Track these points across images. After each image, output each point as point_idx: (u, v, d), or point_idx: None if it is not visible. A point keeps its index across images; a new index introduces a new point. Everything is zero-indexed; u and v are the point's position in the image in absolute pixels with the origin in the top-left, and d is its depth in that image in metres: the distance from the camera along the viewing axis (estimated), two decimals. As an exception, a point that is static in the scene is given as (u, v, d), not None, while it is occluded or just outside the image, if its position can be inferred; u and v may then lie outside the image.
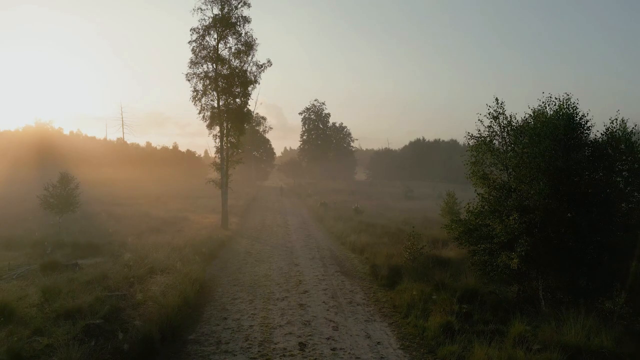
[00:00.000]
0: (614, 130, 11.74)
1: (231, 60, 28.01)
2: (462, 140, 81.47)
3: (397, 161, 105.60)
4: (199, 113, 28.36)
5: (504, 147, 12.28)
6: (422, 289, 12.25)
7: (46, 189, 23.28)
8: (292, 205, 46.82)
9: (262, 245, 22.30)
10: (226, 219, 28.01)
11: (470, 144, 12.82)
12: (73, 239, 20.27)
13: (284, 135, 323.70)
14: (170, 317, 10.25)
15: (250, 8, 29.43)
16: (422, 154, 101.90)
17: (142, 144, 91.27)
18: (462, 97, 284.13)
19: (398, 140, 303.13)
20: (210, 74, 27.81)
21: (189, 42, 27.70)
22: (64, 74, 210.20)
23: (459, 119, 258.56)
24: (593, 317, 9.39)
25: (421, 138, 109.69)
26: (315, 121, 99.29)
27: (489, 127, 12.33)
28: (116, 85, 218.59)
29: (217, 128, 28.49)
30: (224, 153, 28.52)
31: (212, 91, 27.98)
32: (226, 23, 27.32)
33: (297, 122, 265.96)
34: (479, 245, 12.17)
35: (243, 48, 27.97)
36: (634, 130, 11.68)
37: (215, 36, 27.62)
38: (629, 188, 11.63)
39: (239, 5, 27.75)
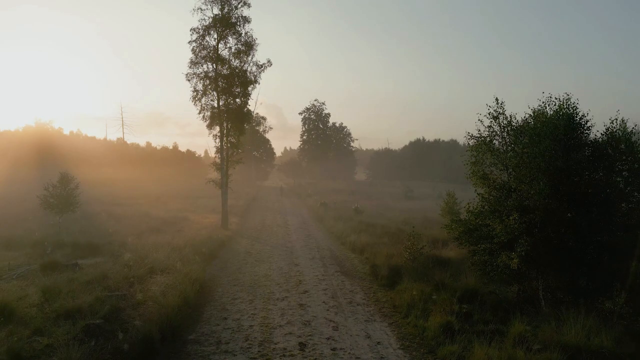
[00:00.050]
0: (614, 130, 11.74)
1: (231, 60, 28.03)
2: (462, 140, 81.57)
3: (397, 161, 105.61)
4: (199, 113, 28.39)
5: (504, 147, 12.28)
6: (422, 289, 12.25)
7: (46, 189, 23.28)
8: (292, 205, 46.82)
9: (262, 245, 22.30)
10: (226, 219, 28.01)
11: (470, 144, 12.82)
12: (73, 239, 20.26)
13: (284, 135, 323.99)
14: (170, 317, 10.25)
15: (250, 8, 29.46)
16: (422, 154, 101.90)
17: (142, 144, 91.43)
18: (462, 97, 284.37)
19: (398, 140, 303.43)
20: (210, 74, 27.82)
21: (189, 42, 27.74)
22: (64, 74, 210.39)
23: (459, 119, 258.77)
24: (593, 317, 9.39)
25: (421, 138, 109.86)
26: (315, 121, 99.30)
27: (489, 127, 12.34)
28: (116, 85, 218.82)
29: (217, 128, 28.51)
30: (224, 153, 28.52)
31: (212, 91, 27.98)
32: (226, 23, 27.32)
33: (297, 122, 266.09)
34: (479, 245, 12.17)
35: (243, 48, 27.98)
36: (634, 130, 11.68)
37: (215, 36, 27.63)
38: (629, 188, 11.64)
39: (239, 5, 27.77)
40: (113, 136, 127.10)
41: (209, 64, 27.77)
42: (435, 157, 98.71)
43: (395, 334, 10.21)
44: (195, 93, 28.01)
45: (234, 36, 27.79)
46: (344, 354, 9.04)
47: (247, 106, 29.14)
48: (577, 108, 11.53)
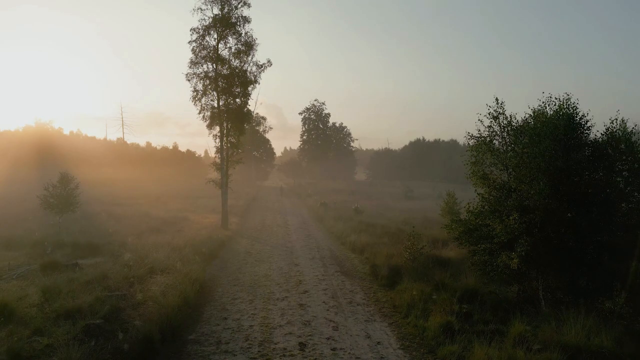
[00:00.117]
0: (614, 130, 11.75)
1: (231, 60, 28.02)
2: (462, 140, 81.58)
3: (397, 161, 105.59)
4: (199, 113, 28.38)
5: (504, 147, 12.28)
6: (422, 289, 12.25)
7: (46, 189, 23.27)
8: (292, 205, 46.81)
9: (262, 245, 22.30)
10: (226, 219, 28.01)
11: (470, 144, 12.82)
12: (73, 239, 20.26)
13: (284, 135, 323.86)
14: (170, 317, 10.25)
15: (250, 8, 29.45)
16: (422, 154, 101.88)
17: (142, 144, 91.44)
18: (462, 97, 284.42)
19: (398, 140, 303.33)
20: (210, 74, 27.81)
21: (189, 42, 27.72)
22: (64, 74, 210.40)
23: (459, 119, 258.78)
24: (593, 317, 9.39)
25: (421, 138, 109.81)
26: (315, 121, 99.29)
27: (489, 127, 12.34)
28: (116, 85, 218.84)
29: (217, 128, 28.51)
30: (224, 153, 28.52)
31: (212, 91, 27.98)
32: (226, 23, 27.32)
33: (297, 122, 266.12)
34: (479, 245, 12.17)
35: (243, 48, 27.98)
36: (634, 130, 11.69)
37: (215, 36, 27.62)
38: (629, 188, 11.64)
39: (239, 5, 27.77)
40: (113, 136, 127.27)
41: (209, 64, 27.78)
42: (435, 157, 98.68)
43: (395, 334, 10.21)
44: (195, 93, 28.02)
45: (234, 36, 27.81)
46: (344, 354, 9.04)
47: (247, 106, 29.15)
48: (577, 108, 11.54)
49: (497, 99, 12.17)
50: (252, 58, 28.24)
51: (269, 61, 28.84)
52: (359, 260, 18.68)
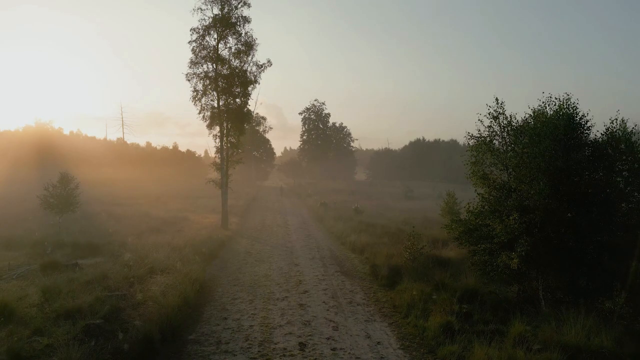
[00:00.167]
0: (614, 130, 11.74)
1: (231, 60, 28.02)
2: (462, 140, 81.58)
3: (397, 161, 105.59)
4: (199, 113, 28.39)
5: (504, 147, 12.28)
6: (422, 289, 12.25)
7: (46, 189, 23.28)
8: (292, 205, 46.82)
9: (262, 245, 22.30)
10: (226, 219, 28.01)
11: (470, 144, 12.82)
12: (73, 239, 20.26)
13: (284, 135, 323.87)
14: (170, 317, 10.25)
15: (250, 8, 29.47)
16: (422, 154, 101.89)
17: (142, 144, 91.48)
18: (462, 97, 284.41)
19: (398, 140, 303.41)
20: (210, 74, 27.81)
21: (189, 42, 27.73)
22: (64, 74, 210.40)
23: (459, 119, 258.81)
24: (593, 317, 9.39)
25: (421, 138, 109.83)
26: (315, 121, 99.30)
27: (489, 127, 12.34)
28: (116, 85, 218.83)
29: (217, 128, 28.51)
30: (224, 153, 28.52)
31: (212, 91, 27.98)
32: (226, 23, 27.32)
33: (297, 122, 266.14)
34: (479, 245, 12.17)
35: (243, 48, 27.98)
36: (634, 130, 11.68)
37: (215, 36, 27.62)
38: (629, 188, 11.64)
39: (239, 5, 27.77)
40: (113, 136, 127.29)
41: (209, 64, 27.79)
42: (435, 157, 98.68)
43: (395, 334, 10.21)
44: (195, 93, 28.03)
45: (234, 36, 27.81)
46: (344, 354, 9.04)
47: (247, 106, 29.15)
48: (577, 108, 11.54)
49: (497, 99, 12.18)
50: (252, 58, 28.28)
51: (269, 61, 28.89)
52: (359, 260, 18.68)
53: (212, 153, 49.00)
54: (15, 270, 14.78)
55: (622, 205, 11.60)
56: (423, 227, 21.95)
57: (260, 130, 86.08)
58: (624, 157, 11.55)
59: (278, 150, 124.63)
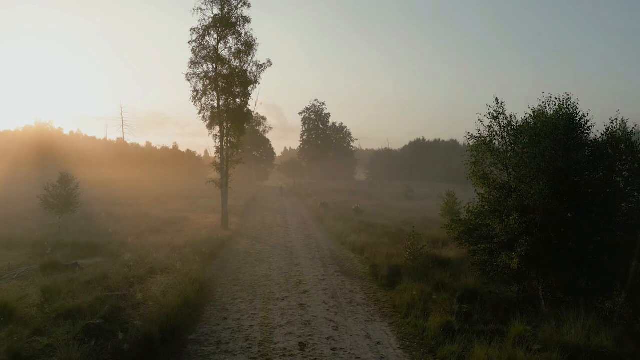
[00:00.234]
0: (614, 130, 11.74)
1: (231, 60, 28.02)
2: (462, 140, 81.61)
3: (397, 161, 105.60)
4: (199, 113, 28.38)
5: (504, 147, 12.28)
6: (422, 289, 12.24)
7: (46, 189, 23.27)
8: (292, 205, 46.82)
9: (262, 245, 22.30)
10: (226, 219, 28.01)
11: (470, 144, 12.83)
12: (73, 239, 20.26)
13: (284, 135, 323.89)
14: (170, 317, 10.25)
15: (250, 8, 29.47)
16: (422, 154, 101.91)
17: (142, 144, 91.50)
18: (462, 97, 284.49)
19: (398, 140, 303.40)
20: (210, 74, 27.81)
21: (189, 42, 27.72)
22: (64, 74, 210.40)
23: (459, 119, 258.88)
24: (593, 317, 9.39)
25: (421, 138, 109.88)
26: (315, 121, 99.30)
27: (489, 127, 12.34)
28: (116, 85, 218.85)
29: (217, 128, 28.51)
30: (224, 153, 28.52)
31: (212, 91, 27.98)
32: (226, 23, 27.31)
33: (297, 122, 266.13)
34: (479, 245, 12.17)
35: (243, 48, 27.97)
36: (634, 130, 11.68)
37: (215, 36, 27.62)
38: (629, 188, 11.64)
39: (239, 5, 27.76)
40: (113, 136, 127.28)
41: (209, 64, 27.78)
42: (435, 157, 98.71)
43: (395, 334, 10.21)
44: (195, 93, 28.02)
45: (234, 36, 27.81)
46: (344, 354, 9.04)
47: (247, 106, 29.15)
48: (577, 108, 11.54)
49: (497, 99, 12.18)
50: (252, 58, 28.28)
51: (269, 61, 28.89)
52: (359, 260, 18.68)
53: (212, 153, 49.04)
54: (15, 270, 14.78)
55: (622, 205, 11.60)
56: (423, 227, 21.95)
57: (260, 130, 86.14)
58: (624, 157, 11.54)
59: (278, 150, 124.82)
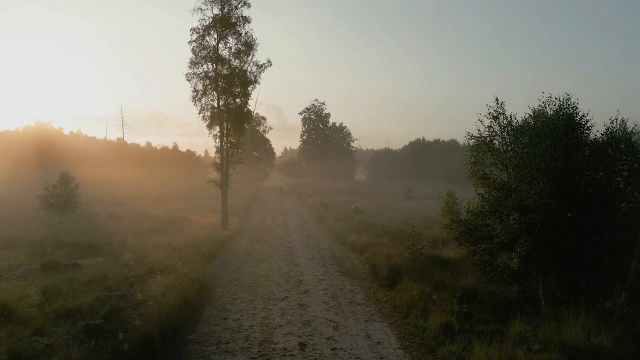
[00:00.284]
0: (614, 130, 11.74)
1: (231, 60, 28.02)
2: (462, 140, 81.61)
3: (397, 161, 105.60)
4: (199, 113, 28.38)
5: (504, 147, 12.28)
6: (422, 289, 12.24)
7: (46, 189, 23.27)
8: (292, 205, 46.82)
9: (262, 245, 22.30)
10: (226, 219, 28.01)
11: (470, 144, 12.83)
12: (73, 239, 20.26)
13: (284, 135, 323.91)
14: (170, 317, 10.25)
15: (250, 8, 29.47)
16: (422, 154, 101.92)
17: (142, 144, 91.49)
18: (462, 97, 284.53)
19: (398, 140, 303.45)
20: (210, 74, 27.81)
21: (189, 42, 27.72)
22: (64, 74, 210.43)
23: (459, 119, 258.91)
24: (593, 317, 9.40)
25: (421, 138, 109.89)
26: (315, 121, 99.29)
27: (489, 127, 12.34)
28: (116, 85, 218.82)
29: (217, 128, 28.51)
30: (224, 153, 28.52)
31: (212, 91, 27.98)
32: (226, 23, 27.32)
33: (297, 122, 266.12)
34: (479, 245, 12.17)
35: (243, 48, 27.98)
36: (634, 130, 11.69)
37: (215, 36, 27.62)
38: (629, 188, 11.64)
39: (239, 5, 27.76)
40: (113, 136, 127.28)
41: (209, 64, 27.78)
42: (435, 157, 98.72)
43: (395, 334, 10.21)
44: (195, 93, 28.03)
45: (234, 36, 27.81)
46: (344, 354, 9.04)
47: (247, 106, 29.15)
48: (577, 108, 11.54)
49: (497, 99, 12.19)
50: (252, 58, 28.28)
51: (269, 61, 28.89)
52: (359, 260, 18.68)
53: (212, 153, 49.04)
54: (15, 270, 14.78)
55: (622, 205, 11.60)
56: (423, 227, 21.95)
57: (260, 130, 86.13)
58: (624, 157, 11.55)
59: (278, 150, 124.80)
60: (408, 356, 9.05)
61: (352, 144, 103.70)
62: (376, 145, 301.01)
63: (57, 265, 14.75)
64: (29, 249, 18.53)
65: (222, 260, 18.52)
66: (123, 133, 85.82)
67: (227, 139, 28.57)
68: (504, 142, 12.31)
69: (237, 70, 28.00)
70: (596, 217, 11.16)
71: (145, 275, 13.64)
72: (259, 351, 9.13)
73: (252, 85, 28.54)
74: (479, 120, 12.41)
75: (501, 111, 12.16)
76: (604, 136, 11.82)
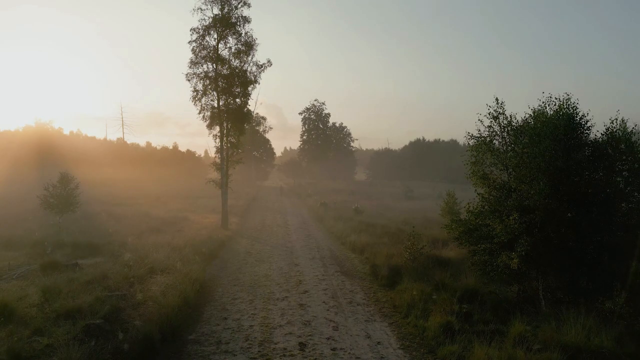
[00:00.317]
0: (614, 130, 11.74)
1: (231, 60, 28.02)
2: (462, 140, 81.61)
3: (397, 161, 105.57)
4: (199, 113, 28.38)
5: (504, 147, 12.28)
6: (422, 289, 12.24)
7: (46, 189, 23.28)
8: (292, 205, 46.81)
9: (262, 245, 22.30)
10: (226, 219, 28.01)
11: (470, 144, 12.82)
12: (73, 239, 20.26)
13: (284, 135, 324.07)
14: (170, 317, 10.25)
15: (250, 8, 29.46)
16: (422, 154, 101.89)
17: (142, 144, 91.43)
18: (462, 97, 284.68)
19: (398, 140, 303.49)
20: (210, 74, 27.81)
21: (189, 42, 27.72)
22: (64, 74, 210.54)
23: (459, 119, 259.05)
24: (593, 317, 9.40)
25: (421, 138, 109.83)
26: (315, 121, 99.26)
27: (489, 127, 12.34)
28: (116, 85, 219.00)
29: (217, 128, 28.51)
30: (224, 153, 28.52)
31: (212, 91, 27.97)
32: (226, 23, 27.31)
33: (297, 122, 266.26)
34: (479, 245, 12.17)
35: (243, 48, 27.97)
36: (634, 130, 11.69)
37: (215, 36, 27.62)
38: (629, 188, 11.64)
39: (239, 5, 27.76)
40: (113, 136, 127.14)
41: (209, 64, 27.78)
42: (435, 157, 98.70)
43: (395, 334, 10.21)
44: (195, 93, 28.02)
45: (234, 36, 27.80)
46: (344, 354, 9.04)
47: (247, 106, 29.14)
48: (577, 108, 11.54)
49: (497, 99, 12.18)
50: (252, 58, 28.28)
51: (269, 61, 28.89)
52: (359, 260, 18.68)
53: (212, 153, 49.09)
54: (15, 270, 14.78)
55: (622, 205, 11.60)
56: (423, 227, 21.94)
57: (260, 130, 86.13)
58: (624, 157, 11.55)
59: (278, 150, 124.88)
60: (408, 356, 9.05)
61: (352, 144, 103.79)
62: (376, 145, 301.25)
63: (57, 265, 14.75)
64: (29, 249, 18.53)
65: (222, 260, 18.52)
66: (123, 133, 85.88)
67: (227, 139, 28.57)
68: (504, 142, 12.31)
69: (237, 70, 28.00)
70: (596, 217, 11.16)
71: (145, 275, 13.64)
72: (259, 351, 9.13)
73: (252, 85, 28.56)
74: (479, 120, 12.43)
75: (501, 111, 12.16)
76: (604, 136, 11.82)
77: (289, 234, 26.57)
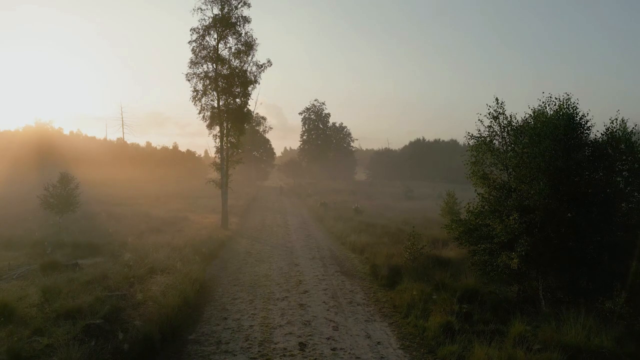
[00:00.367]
0: (614, 130, 11.74)
1: (231, 60, 28.02)
2: (462, 140, 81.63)
3: (397, 161, 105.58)
4: (199, 113, 28.39)
5: (504, 147, 12.28)
6: (422, 289, 12.24)
7: (46, 189, 23.28)
8: (292, 205, 46.81)
9: (262, 245, 22.30)
10: (226, 219, 28.01)
11: (470, 144, 12.82)
12: (73, 239, 20.26)
13: (284, 135, 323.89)
14: (170, 317, 10.25)
15: (250, 8, 29.48)
16: (422, 154, 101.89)
17: (142, 144, 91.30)
18: (462, 97, 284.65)
19: (398, 140, 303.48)
20: (210, 74, 27.81)
21: (189, 42, 27.73)
22: (64, 74, 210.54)
23: (459, 119, 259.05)
24: (593, 317, 9.40)
25: (421, 138, 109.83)
26: (315, 121, 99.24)
27: (489, 127, 12.34)
28: (116, 85, 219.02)
29: (217, 128, 28.51)
30: (224, 153, 28.52)
31: (212, 91, 27.98)
32: (226, 23, 27.31)
33: (297, 122, 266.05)
34: (479, 245, 12.17)
35: (243, 48, 27.97)
36: (634, 130, 11.69)
37: (215, 36, 27.62)
38: (629, 188, 11.64)
39: (239, 5, 27.76)
40: (113, 136, 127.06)
41: (209, 64, 27.78)
42: (435, 157, 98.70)
43: (395, 334, 10.21)
44: (195, 93, 28.03)
45: (234, 36, 27.81)
46: (344, 354, 9.04)
47: (247, 106, 29.14)
48: (577, 108, 11.54)
49: (497, 99, 12.18)
50: (252, 58, 28.28)
51: (269, 61, 28.89)
52: (359, 260, 18.68)
53: (212, 153, 49.10)
54: (16, 270, 14.78)
55: (622, 205, 11.60)
56: (423, 227, 21.94)
57: (260, 130, 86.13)
58: (624, 157, 11.55)
59: (278, 150, 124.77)
60: (408, 356, 9.05)
61: (352, 144, 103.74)
62: (376, 145, 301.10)
63: (57, 265, 14.75)
64: (29, 249, 18.53)
65: (222, 260, 18.52)
66: (123, 133, 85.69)
67: (227, 139, 28.57)
68: (504, 142, 12.31)
69: (237, 70, 28.00)
70: (596, 217, 11.16)
71: (145, 275, 13.64)
72: (259, 351, 9.14)
73: (252, 85, 28.56)
74: (479, 120, 12.42)
75: (501, 111, 12.16)
76: (604, 136, 11.82)
77: (289, 234, 26.57)
